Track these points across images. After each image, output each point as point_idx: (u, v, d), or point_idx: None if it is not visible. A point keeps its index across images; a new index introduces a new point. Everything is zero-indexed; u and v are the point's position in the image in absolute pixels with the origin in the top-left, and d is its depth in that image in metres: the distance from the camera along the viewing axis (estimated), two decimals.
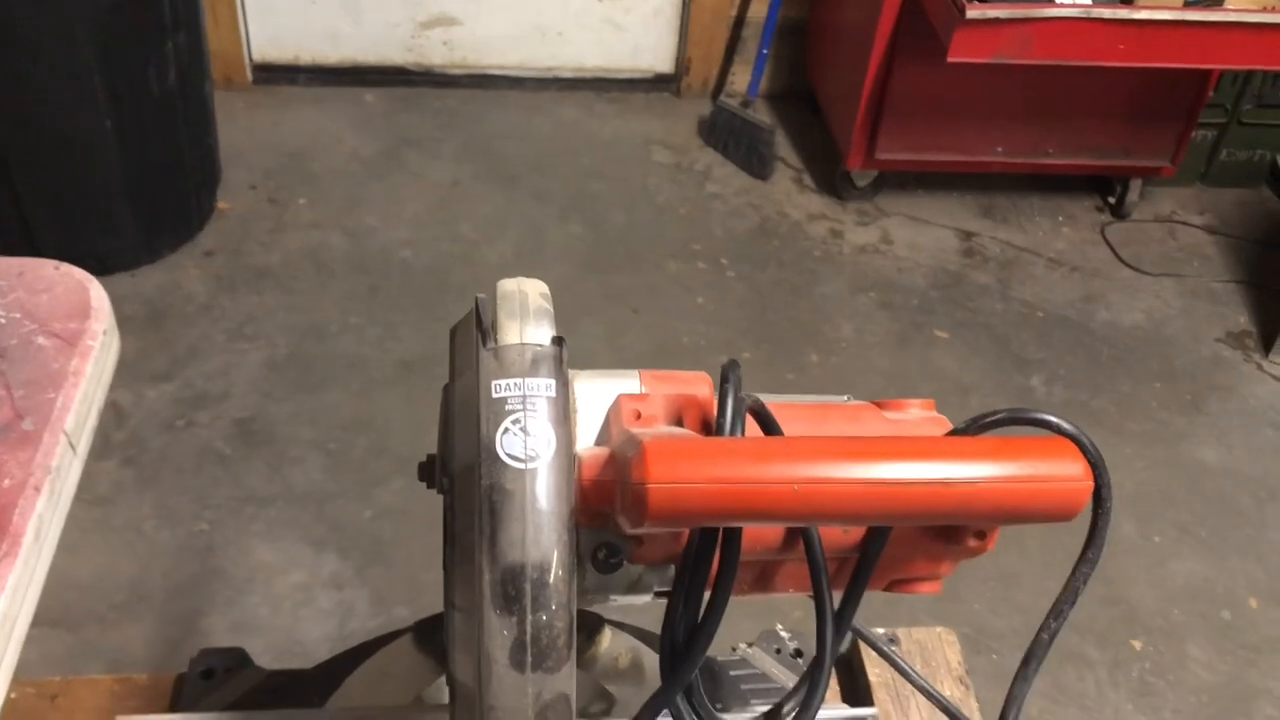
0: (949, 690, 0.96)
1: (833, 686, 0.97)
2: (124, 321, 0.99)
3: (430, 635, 0.89)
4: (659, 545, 0.57)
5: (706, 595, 0.57)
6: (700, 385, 0.61)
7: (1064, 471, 0.52)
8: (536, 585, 0.50)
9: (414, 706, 0.84)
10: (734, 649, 0.97)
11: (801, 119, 3.11)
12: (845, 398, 0.67)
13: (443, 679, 0.87)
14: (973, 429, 0.58)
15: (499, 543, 0.50)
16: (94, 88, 2.17)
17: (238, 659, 1.01)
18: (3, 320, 0.98)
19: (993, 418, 0.58)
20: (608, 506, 0.54)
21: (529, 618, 0.50)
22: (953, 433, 0.59)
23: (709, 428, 0.58)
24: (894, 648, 0.93)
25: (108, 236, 2.39)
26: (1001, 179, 2.95)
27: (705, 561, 0.55)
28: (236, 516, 1.98)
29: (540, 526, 0.50)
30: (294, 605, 1.87)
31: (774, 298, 2.60)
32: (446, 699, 0.87)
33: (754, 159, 2.94)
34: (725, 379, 0.56)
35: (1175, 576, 2.12)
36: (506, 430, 0.51)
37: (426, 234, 2.63)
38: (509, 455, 0.50)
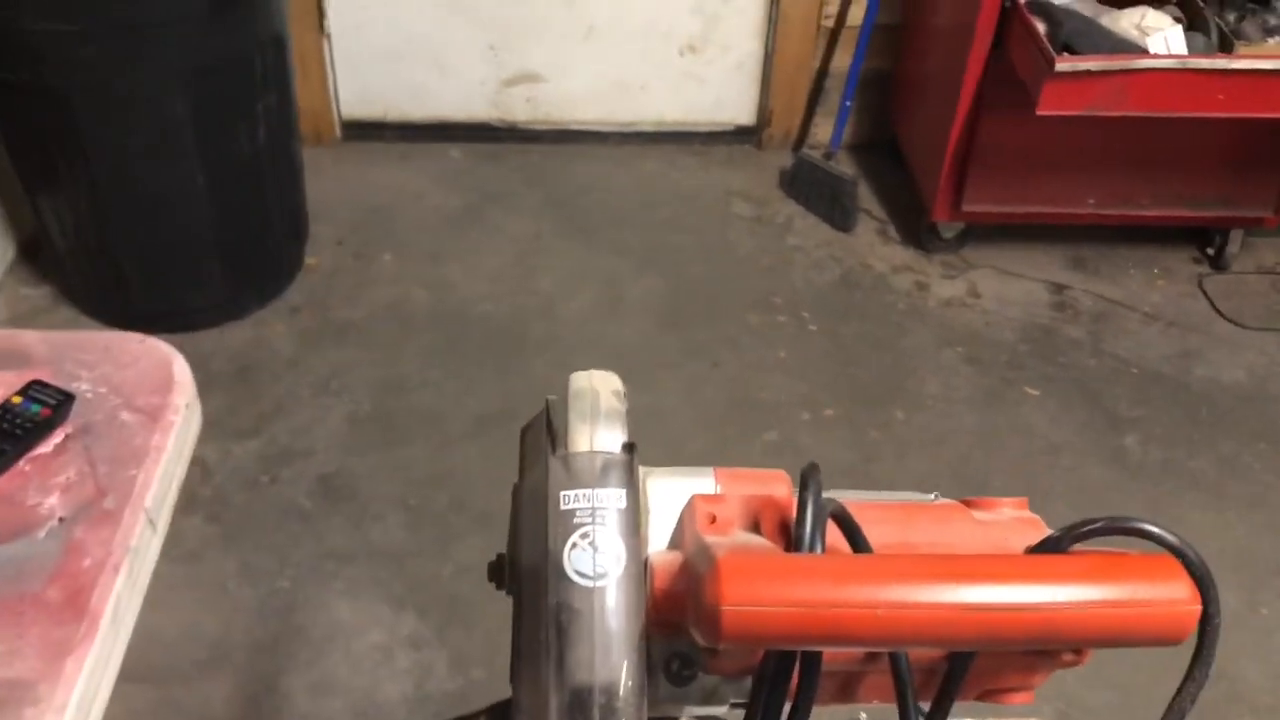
0: None
1: None
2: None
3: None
4: (735, 657, 0.55)
5: (786, 707, 0.55)
6: (778, 485, 0.58)
7: (1168, 594, 0.49)
8: (605, 710, 0.48)
9: None
10: None
11: (885, 170, 3.07)
12: (933, 496, 0.64)
13: None
14: (1068, 539, 0.55)
15: (567, 663, 0.48)
16: (186, 147, 2.23)
17: None
18: (89, 395, 1.00)
19: (1090, 527, 0.54)
20: (680, 618, 0.52)
21: None
22: (1047, 541, 0.56)
23: (788, 531, 0.56)
24: None
25: (197, 293, 2.45)
26: (1093, 230, 2.87)
27: (783, 678, 0.53)
28: (317, 574, 1.99)
29: (609, 648, 0.48)
30: (373, 665, 1.87)
31: (857, 352, 2.56)
32: None
33: (836, 211, 2.91)
34: (805, 485, 0.53)
35: None
36: (575, 545, 0.49)
37: (506, 287, 2.65)
38: (577, 573, 0.49)
